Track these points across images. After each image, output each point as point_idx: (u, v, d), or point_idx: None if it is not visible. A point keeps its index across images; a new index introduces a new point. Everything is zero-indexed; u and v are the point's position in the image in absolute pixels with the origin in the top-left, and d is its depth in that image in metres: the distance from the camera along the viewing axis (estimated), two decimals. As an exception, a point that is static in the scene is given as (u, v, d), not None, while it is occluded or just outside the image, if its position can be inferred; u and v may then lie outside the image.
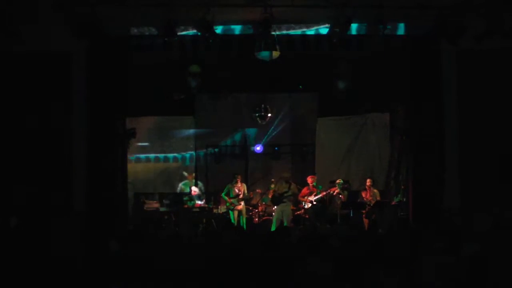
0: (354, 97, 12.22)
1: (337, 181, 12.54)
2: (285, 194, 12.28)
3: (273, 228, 11.63)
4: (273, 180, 12.76)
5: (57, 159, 10.46)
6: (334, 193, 12.35)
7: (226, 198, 12.38)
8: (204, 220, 12.14)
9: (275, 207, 12.30)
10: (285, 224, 11.95)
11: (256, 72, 11.10)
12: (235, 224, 11.97)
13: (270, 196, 12.61)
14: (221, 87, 12.53)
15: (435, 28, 9.71)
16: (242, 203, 12.36)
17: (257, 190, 13.21)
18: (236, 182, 12.46)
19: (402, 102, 12.11)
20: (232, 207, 12.27)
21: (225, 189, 12.49)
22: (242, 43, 10.48)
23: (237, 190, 12.39)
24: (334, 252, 5.79)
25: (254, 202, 13.21)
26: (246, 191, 12.50)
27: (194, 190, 12.83)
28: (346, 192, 12.58)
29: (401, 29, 10.70)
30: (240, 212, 12.30)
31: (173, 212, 12.30)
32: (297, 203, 12.93)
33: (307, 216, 12.53)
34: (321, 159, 14.09)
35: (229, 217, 12.36)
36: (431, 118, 10.86)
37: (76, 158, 10.51)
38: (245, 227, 12.05)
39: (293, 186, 12.43)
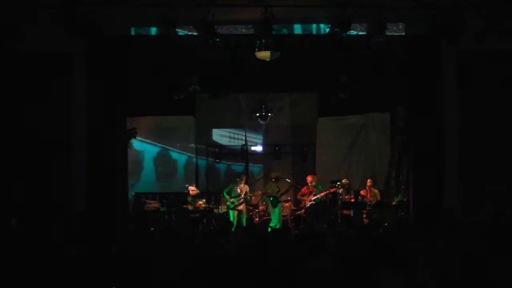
0: (354, 97, 12.21)
1: (343, 181, 12.51)
2: (279, 194, 12.32)
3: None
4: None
5: (57, 159, 10.47)
6: (340, 191, 12.30)
7: (228, 196, 12.36)
8: (205, 220, 12.14)
9: (274, 209, 12.31)
10: (277, 225, 11.98)
11: (256, 72, 11.10)
12: (235, 223, 11.99)
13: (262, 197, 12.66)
14: (221, 87, 12.52)
15: (435, 28, 9.70)
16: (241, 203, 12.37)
17: (258, 192, 13.20)
18: (240, 183, 12.46)
19: (402, 102, 12.11)
20: (233, 206, 12.26)
21: (228, 187, 12.49)
22: (242, 43, 10.50)
23: (239, 190, 12.38)
24: (333, 252, 5.79)
25: (254, 202, 13.22)
26: (248, 192, 12.49)
27: (192, 189, 12.80)
28: (352, 192, 12.64)
29: (401, 29, 10.70)
30: (240, 211, 12.29)
31: (173, 212, 12.30)
32: (297, 203, 12.94)
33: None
34: (321, 159, 14.10)
35: (229, 217, 12.36)
36: (431, 118, 10.86)
37: (76, 158, 10.52)
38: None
39: (279, 184, 12.48)
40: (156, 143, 14.01)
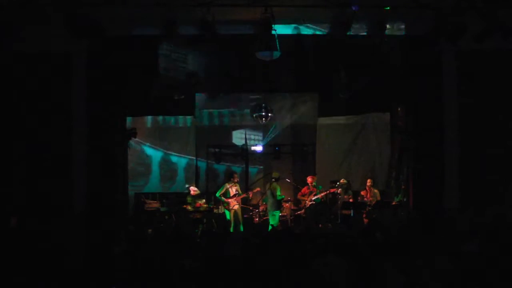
0: (354, 97, 12.22)
1: (342, 181, 12.51)
2: (280, 196, 12.28)
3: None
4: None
5: (57, 159, 10.46)
6: (339, 191, 12.28)
7: (223, 198, 12.25)
8: (205, 220, 12.13)
9: (276, 210, 12.27)
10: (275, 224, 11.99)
11: (256, 72, 11.12)
12: (232, 223, 11.97)
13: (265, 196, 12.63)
14: (221, 87, 12.53)
15: (435, 28, 9.71)
16: (239, 203, 12.31)
17: (257, 189, 13.17)
18: (232, 182, 12.35)
19: (402, 102, 12.11)
20: (230, 207, 12.20)
21: (222, 188, 12.33)
22: (242, 43, 10.51)
23: (234, 191, 12.31)
24: (333, 252, 5.79)
25: (254, 202, 13.20)
26: (239, 191, 12.44)
27: (194, 189, 12.78)
28: (350, 192, 12.64)
29: (401, 29, 10.71)
30: (236, 212, 12.21)
31: (173, 212, 12.29)
32: (297, 203, 12.94)
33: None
34: (321, 159, 14.10)
35: (226, 216, 12.35)
36: (431, 118, 10.87)
37: (76, 158, 10.51)
38: (242, 227, 12.05)
39: (279, 184, 12.44)
40: (161, 148, 14.05)
